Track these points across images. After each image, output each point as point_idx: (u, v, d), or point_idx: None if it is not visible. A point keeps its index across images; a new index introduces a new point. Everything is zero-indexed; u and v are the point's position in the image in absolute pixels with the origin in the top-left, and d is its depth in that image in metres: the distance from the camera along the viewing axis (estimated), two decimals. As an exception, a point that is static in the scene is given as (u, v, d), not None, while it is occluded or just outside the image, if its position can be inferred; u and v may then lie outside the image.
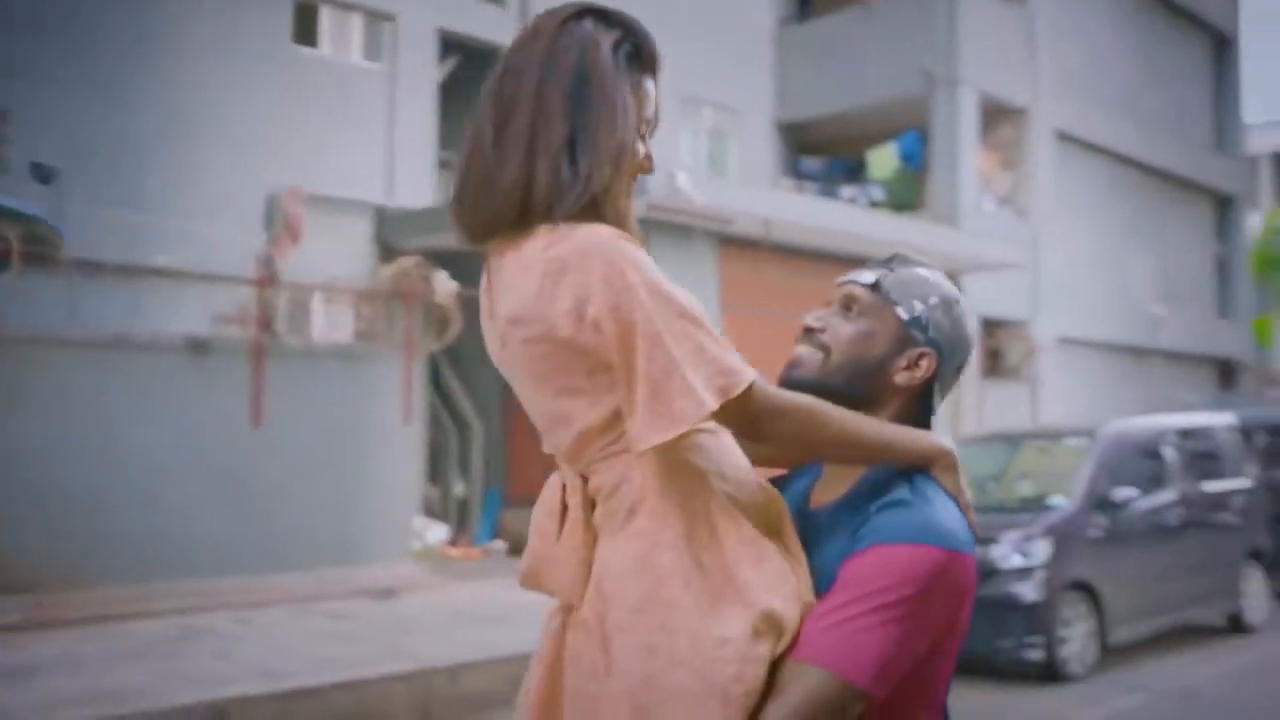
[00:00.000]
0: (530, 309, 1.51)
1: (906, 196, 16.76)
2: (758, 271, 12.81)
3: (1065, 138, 18.26)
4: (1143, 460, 8.82)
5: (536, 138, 1.55)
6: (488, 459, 12.86)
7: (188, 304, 10.67)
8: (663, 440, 1.47)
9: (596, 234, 1.51)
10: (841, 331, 1.72)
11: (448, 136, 13.82)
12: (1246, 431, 10.86)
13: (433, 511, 12.47)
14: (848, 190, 16.72)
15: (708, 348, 1.50)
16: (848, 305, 1.74)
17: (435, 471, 12.75)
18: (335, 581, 9.15)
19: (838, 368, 1.70)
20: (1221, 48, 23.35)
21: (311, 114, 12.26)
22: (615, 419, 1.53)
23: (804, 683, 1.45)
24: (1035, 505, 8.18)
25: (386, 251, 12.43)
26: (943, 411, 16.85)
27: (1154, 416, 9.78)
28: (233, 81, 11.69)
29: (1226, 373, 22.79)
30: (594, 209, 1.56)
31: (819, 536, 1.63)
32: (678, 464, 1.54)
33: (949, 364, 1.74)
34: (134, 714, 5.70)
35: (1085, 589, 7.78)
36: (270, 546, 8.90)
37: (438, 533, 12.11)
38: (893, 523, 1.55)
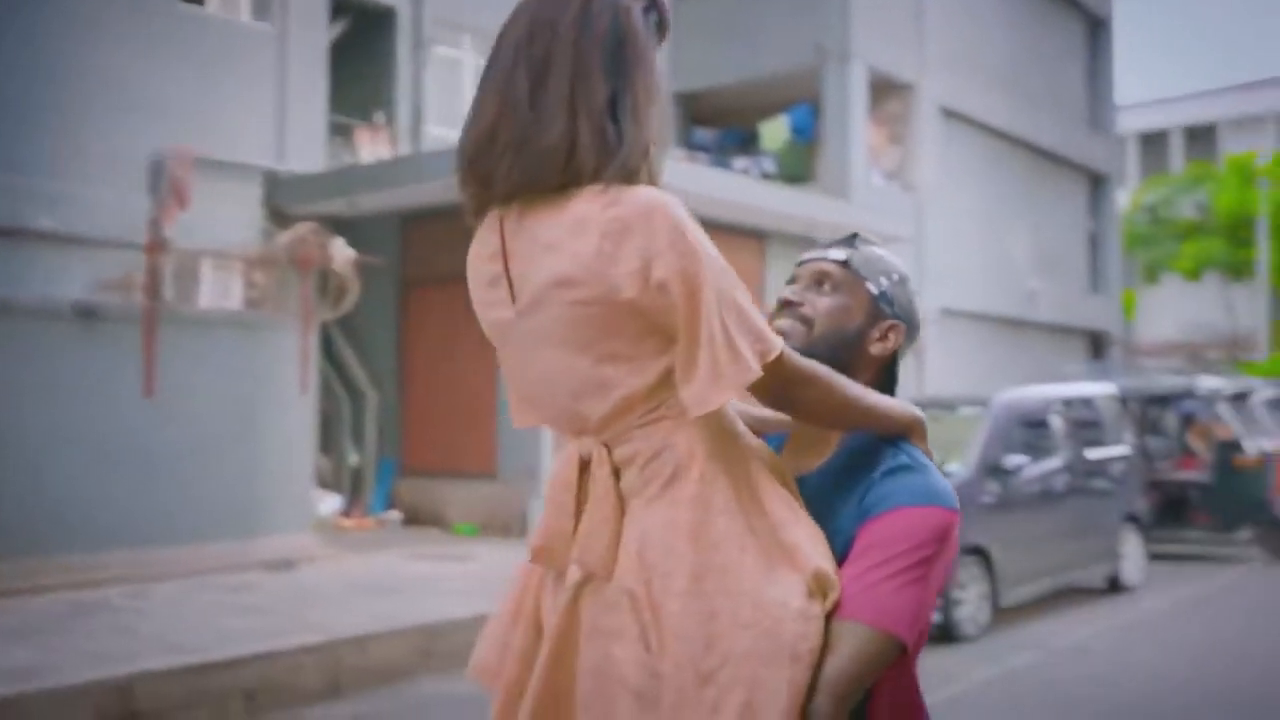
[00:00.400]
0: (587, 270, 1.49)
1: (797, 169, 16.98)
2: (655, 242, 12.85)
3: (950, 113, 18.67)
4: (1031, 429, 9.13)
5: (577, 98, 1.53)
6: (382, 429, 12.71)
7: (72, 270, 10.30)
8: (721, 404, 1.51)
9: (654, 195, 1.51)
10: (820, 305, 1.78)
11: (339, 100, 13.55)
12: (1123, 400, 11.33)
13: (325, 482, 12.29)
14: (740, 161, 16.85)
15: (747, 312, 1.54)
16: (820, 281, 1.80)
17: (327, 442, 12.55)
18: (232, 554, 8.97)
19: (821, 338, 1.76)
20: (1096, 29, 24.08)
21: (198, 74, 11.89)
22: (660, 385, 1.54)
23: (854, 640, 1.52)
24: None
25: (277, 217, 12.15)
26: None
27: (1042, 386, 10.13)
28: (116, 39, 11.27)
29: (1097, 344, 23.65)
30: (635, 172, 1.55)
31: (810, 502, 1.68)
32: (719, 429, 1.57)
33: (909, 336, 1.83)
34: (32, 693, 5.51)
35: (979, 553, 8.05)
36: (164, 519, 8.68)
37: (331, 503, 11.95)
38: (907, 487, 1.64)
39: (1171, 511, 12.11)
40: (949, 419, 9.19)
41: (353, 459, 12.61)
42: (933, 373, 17.79)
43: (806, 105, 16.97)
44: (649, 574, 1.50)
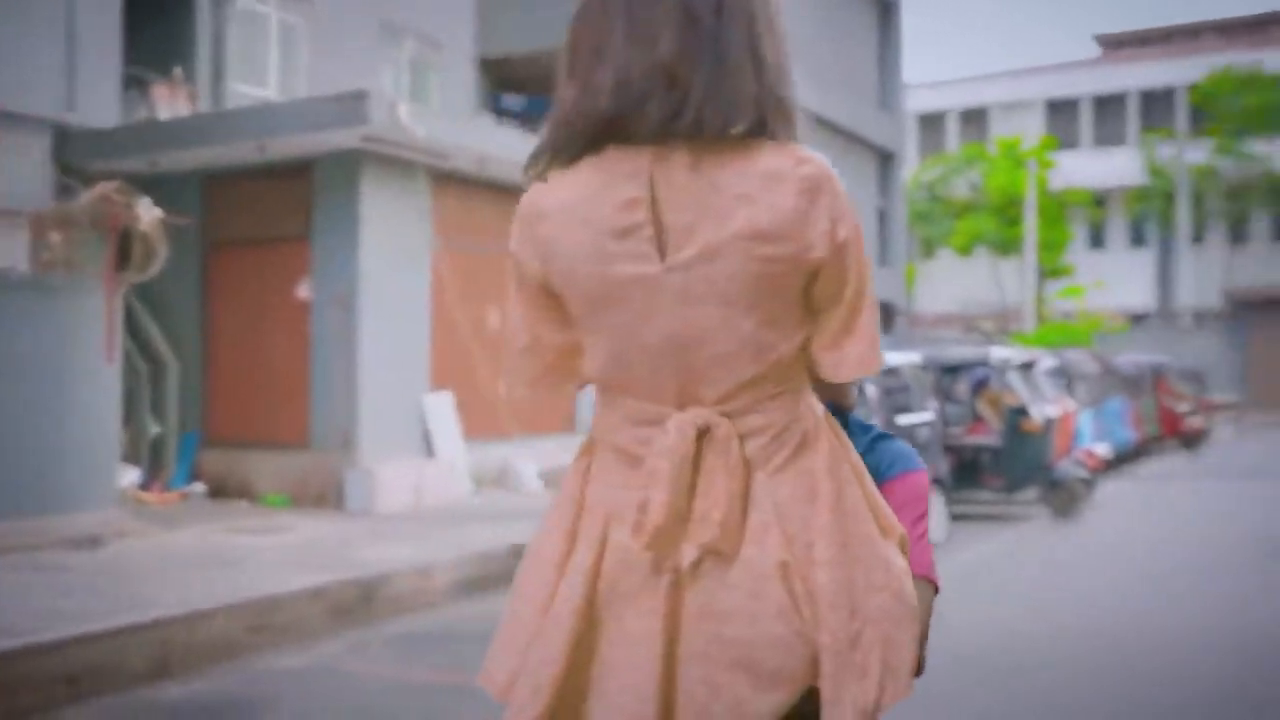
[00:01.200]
0: (786, 225, 1.46)
1: (606, 139, 17.03)
2: (471, 208, 12.71)
3: (753, 89, 19.08)
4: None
5: (758, 52, 1.51)
6: (184, 398, 12.15)
7: None
8: (878, 370, 1.56)
9: (824, 159, 1.52)
10: None
11: (134, 53, 12.81)
12: (924, 369, 11.90)
13: (123, 455, 11.67)
14: (549, 130, 16.77)
15: None
16: None
17: (125, 412, 11.91)
18: (32, 531, 8.43)
19: None
20: (886, 12, 25.02)
21: (-22, 17, 11.03)
22: (800, 353, 1.54)
23: (924, 595, 1.66)
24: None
25: (68, 174, 11.44)
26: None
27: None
28: (-117, -26, 10.34)
29: (885, 315, 24.71)
30: (796, 133, 1.56)
31: None
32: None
33: None
34: None
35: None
36: (-44, 495, 8.09)
37: (129, 476, 11.37)
38: (902, 452, 1.81)
39: (965, 474, 12.80)
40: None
41: (153, 430, 12.02)
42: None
43: (616, 75, 17.02)
44: (792, 545, 1.48)
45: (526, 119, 17.14)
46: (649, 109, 1.47)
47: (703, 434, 1.49)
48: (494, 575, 8.85)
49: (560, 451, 13.89)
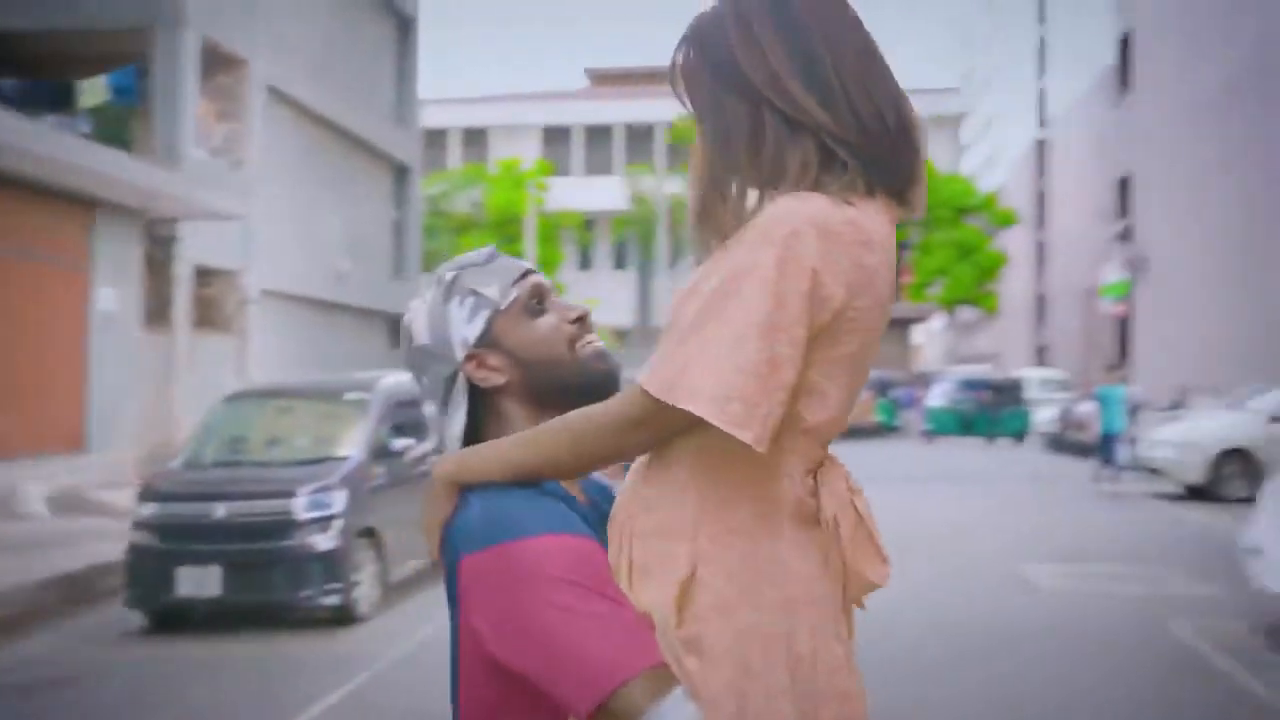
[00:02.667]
0: None
1: (117, 132, 15.82)
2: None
3: (276, 94, 18.53)
4: (409, 411, 9.55)
5: None
6: None
7: None
8: None
9: None
10: None
11: None
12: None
13: None
14: (51, 119, 15.31)
15: None
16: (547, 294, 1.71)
17: None
18: None
19: None
20: (405, 29, 25.23)
21: None
22: None
23: None
24: (321, 458, 8.49)
25: None
26: (160, 364, 15.99)
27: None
28: None
29: (398, 329, 24.84)
30: None
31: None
32: None
33: None
34: None
35: (371, 534, 8.30)
36: None
37: None
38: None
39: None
40: (335, 405, 9.32)
41: None
42: (255, 356, 17.57)
43: (130, 66, 15.88)
44: None
45: (25, 105, 15.54)
46: (920, 165, 1.50)
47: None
48: (17, 615, 8.06)
49: (67, 472, 12.75)
